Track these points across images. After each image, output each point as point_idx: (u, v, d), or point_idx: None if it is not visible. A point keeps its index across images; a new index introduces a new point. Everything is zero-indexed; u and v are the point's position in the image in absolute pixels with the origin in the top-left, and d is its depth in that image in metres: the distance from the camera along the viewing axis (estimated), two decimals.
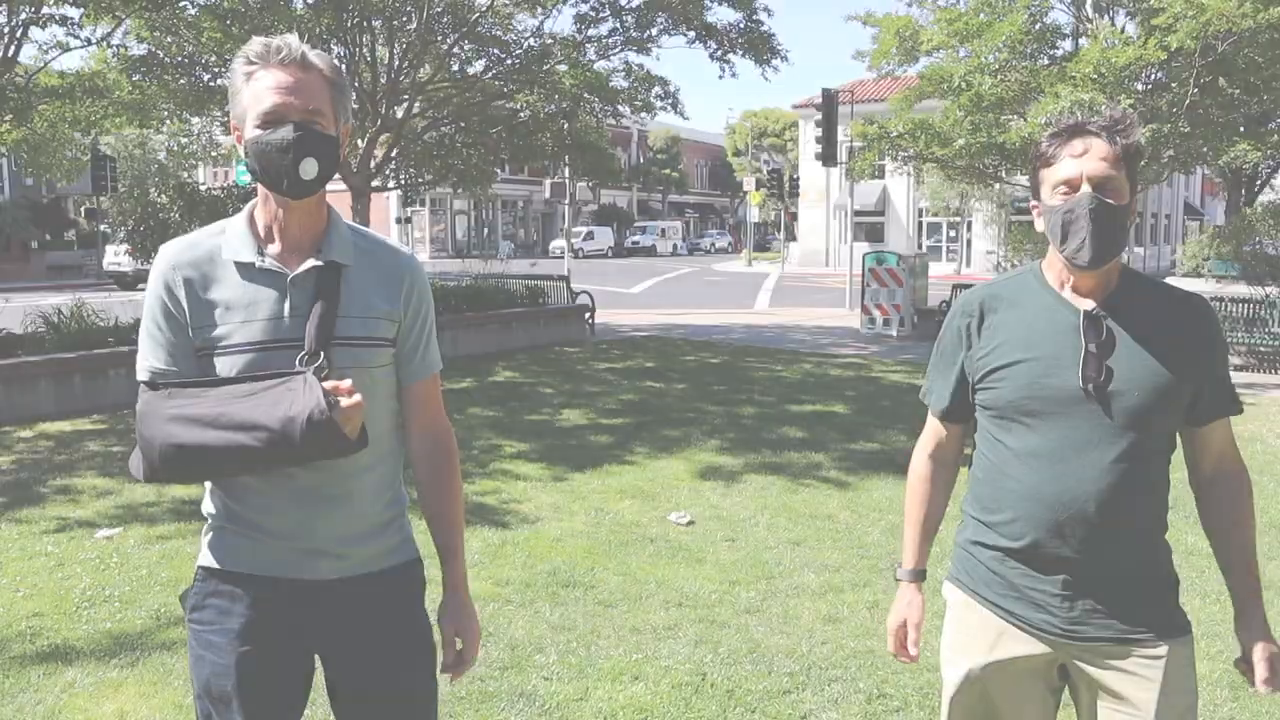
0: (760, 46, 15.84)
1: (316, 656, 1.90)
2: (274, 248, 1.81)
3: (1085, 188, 1.88)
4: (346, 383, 1.67)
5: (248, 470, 1.75)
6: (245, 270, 1.79)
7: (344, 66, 15.02)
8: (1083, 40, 15.32)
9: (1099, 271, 1.96)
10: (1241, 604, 2.00)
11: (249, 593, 1.82)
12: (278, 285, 1.78)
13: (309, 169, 1.74)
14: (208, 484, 1.87)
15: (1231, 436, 2.06)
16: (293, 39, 1.78)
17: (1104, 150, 1.89)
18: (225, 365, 1.75)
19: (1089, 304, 1.97)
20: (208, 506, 1.88)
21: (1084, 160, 1.89)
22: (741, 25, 15.88)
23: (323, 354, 1.74)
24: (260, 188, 1.82)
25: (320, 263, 1.79)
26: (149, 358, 1.81)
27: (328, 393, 1.64)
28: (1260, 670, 1.97)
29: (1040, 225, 1.99)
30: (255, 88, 1.74)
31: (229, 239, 1.82)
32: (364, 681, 1.87)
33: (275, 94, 1.73)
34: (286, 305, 1.77)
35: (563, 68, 14.87)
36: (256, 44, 1.76)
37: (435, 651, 1.95)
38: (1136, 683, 1.95)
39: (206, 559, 1.87)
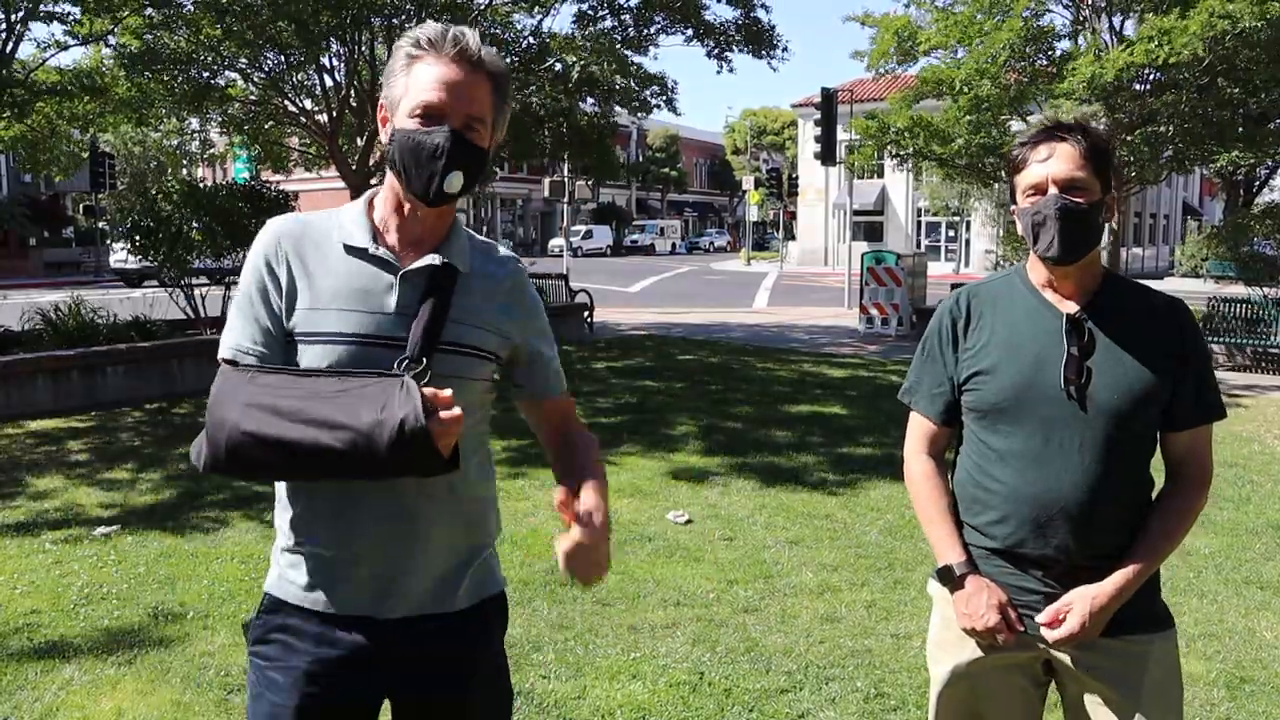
0: (759, 40, 15.85)
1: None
2: (390, 238, 1.68)
3: (1052, 190, 1.94)
4: (447, 393, 1.48)
5: (320, 476, 1.58)
6: (356, 255, 1.65)
7: (342, 66, 15.05)
8: (1080, 40, 15.34)
9: (1079, 272, 2.01)
10: (1109, 581, 1.93)
11: (319, 630, 1.68)
12: (388, 277, 1.64)
13: (454, 182, 1.61)
14: (280, 496, 1.73)
15: (1205, 446, 2.03)
16: (471, 33, 1.62)
17: (1068, 152, 1.94)
18: (317, 355, 1.61)
19: (1072, 306, 2.02)
20: (280, 522, 1.73)
21: (1049, 164, 1.95)
22: (739, 20, 15.89)
23: (425, 360, 1.58)
24: (390, 179, 1.69)
25: (438, 262, 1.65)
26: (236, 334, 1.64)
27: (426, 400, 1.46)
28: (1067, 618, 1.93)
29: (1020, 228, 2.04)
30: (420, 75, 1.60)
31: (343, 221, 1.70)
32: None
33: (441, 89, 1.59)
34: (393, 299, 1.63)
35: (559, 66, 14.85)
36: (431, 28, 1.62)
37: (511, 695, 1.88)
38: (1122, 677, 1.99)
39: (277, 587, 1.72)
